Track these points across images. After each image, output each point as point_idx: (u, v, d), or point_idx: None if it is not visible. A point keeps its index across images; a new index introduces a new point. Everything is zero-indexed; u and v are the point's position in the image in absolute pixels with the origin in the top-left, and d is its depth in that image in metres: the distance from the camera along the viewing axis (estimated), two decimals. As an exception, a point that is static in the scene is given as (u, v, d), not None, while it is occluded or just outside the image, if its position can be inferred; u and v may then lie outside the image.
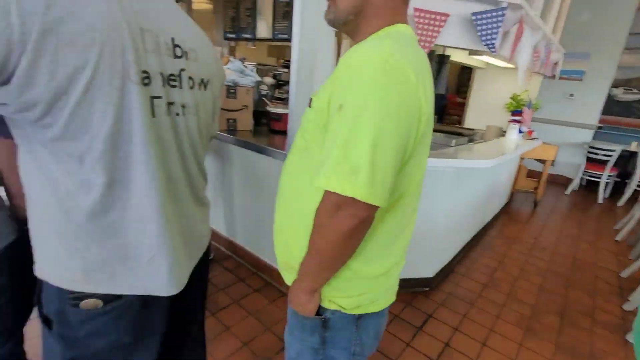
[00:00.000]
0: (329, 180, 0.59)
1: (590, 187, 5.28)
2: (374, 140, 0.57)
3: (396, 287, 0.86)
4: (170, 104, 0.69)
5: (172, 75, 0.68)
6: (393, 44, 0.62)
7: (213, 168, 2.47)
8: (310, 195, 0.67)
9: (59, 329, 0.69)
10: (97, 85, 0.55)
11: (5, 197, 0.90)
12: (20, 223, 0.87)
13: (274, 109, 2.34)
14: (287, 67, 4.64)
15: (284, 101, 4.30)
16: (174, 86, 0.69)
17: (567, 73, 5.42)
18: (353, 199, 0.58)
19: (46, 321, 0.70)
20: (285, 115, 2.28)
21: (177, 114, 0.71)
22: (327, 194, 0.61)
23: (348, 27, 0.73)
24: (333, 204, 0.60)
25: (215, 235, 2.59)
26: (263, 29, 4.91)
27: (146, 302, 0.73)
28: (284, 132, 2.27)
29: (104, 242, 0.65)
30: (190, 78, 0.73)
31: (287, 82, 4.43)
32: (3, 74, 0.48)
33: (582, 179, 5.34)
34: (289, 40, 4.64)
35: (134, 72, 0.59)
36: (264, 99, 2.55)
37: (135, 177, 0.63)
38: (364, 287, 0.75)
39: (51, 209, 0.61)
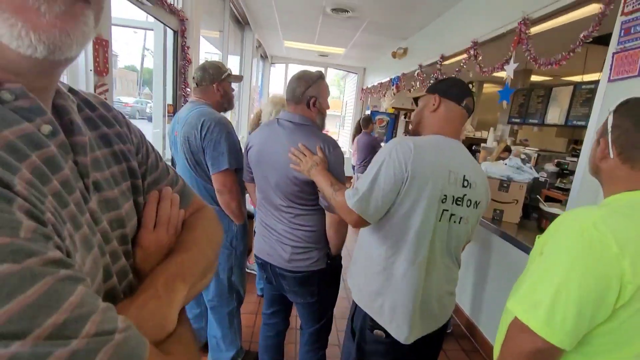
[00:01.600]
0: (516, 306, 0.73)
1: None
2: (558, 287, 0.67)
3: None
4: (452, 215, 1.08)
5: (459, 197, 1.08)
6: (604, 215, 0.69)
7: (473, 247, 2.66)
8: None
9: (357, 340, 1.20)
10: (419, 201, 1.03)
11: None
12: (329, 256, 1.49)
13: (548, 208, 2.29)
14: (576, 155, 4.13)
15: (566, 192, 3.84)
16: (458, 204, 1.09)
17: None
18: (529, 327, 0.69)
19: (352, 332, 1.23)
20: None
21: (455, 222, 1.10)
22: (516, 316, 0.73)
23: (600, 182, 0.85)
24: (518, 326, 0.72)
25: (457, 310, 2.73)
26: (554, 114, 4.66)
27: (396, 343, 1.12)
28: (555, 233, 2.16)
29: (391, 292, 1.10)
30: (469, 200, 1.10)
31: (572, 172, 3.95)
32: (394, 199, 1.05)
33: None
34: (584, 126, 4.17)
35: (439, 195, 1.04)
36: (538, 197, 2.52)
37: (421, 257, 1.07)
38: None
39: (370, 261, 1.15)
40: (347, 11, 3.90)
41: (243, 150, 1.59)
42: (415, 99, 1.29)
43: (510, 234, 2.19)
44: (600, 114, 1.66)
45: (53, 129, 0.35)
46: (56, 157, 0.34)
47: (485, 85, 6.79)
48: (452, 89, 1.15)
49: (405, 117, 7.24)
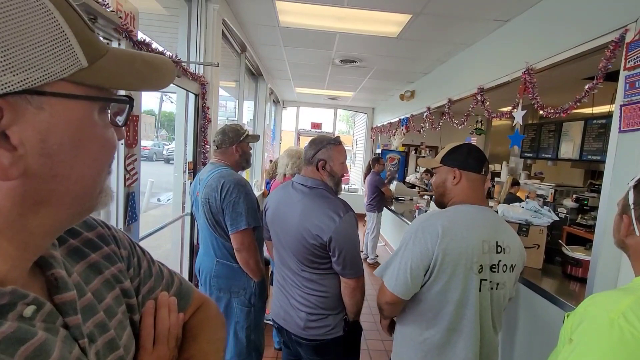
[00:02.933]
0: None
1: None
2: None
3: None
4: (490, 281, 1.10)
5: (494, 264, 1.10)
6: (635, 302, 0.67)
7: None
8: None
9: None
10: (455, 276, 1.05)
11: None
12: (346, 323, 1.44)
13: (572, 253, 2.22)
14: (596, 191, 4.05)
15: (588, 230, 3.72)
16: (494, 271, 1.10)
17: None
18: None
19: None
20: (586, 262, 2.11)
21: (492, 288, 1.11)
22: None
23: (627, 255, 0.84)
24: None
25: (485, 363, 2.59)
26: (568, 149, 4.65)
27: None
28: (582, 280, 2.08)
29: None
30: (504, 265, 1.12)
31: (594, 208, 3.85)
32: (423, 276, 1.08)
33: None
34: (600, 161, 4.11)
35: (475, 267, 1.05)
36: (560, 241, 2.46)
37: (464, 328, 1.08)
38: None
39: (409, 340, 1.17)
40: (355, 61, 4.10)
41: (262, 208, 1.64)
42: (428, 169, 1.33)
43: (533, 281, 2.12)
44: (616, 160, 1.66)
45: (36, 306, 0.34)
46: (44, 345, 0.32)
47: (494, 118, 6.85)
48: (469, 159, 1.19)
49: (415, 153, 7.31)
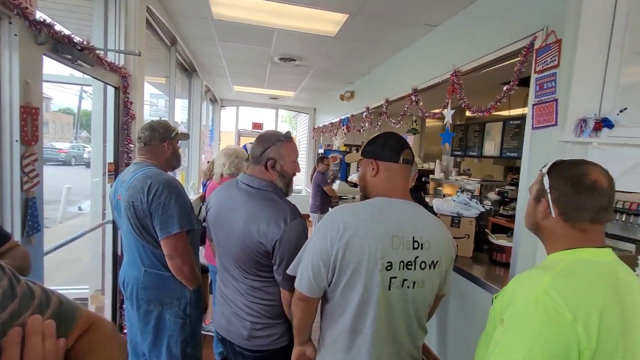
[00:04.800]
0: None
1: None
2: None
3: None
4: (405, 280, 1.03)
5: (409, 261, 1.03)
6: (555, 278, 0.74)
7: (431, 285, 2.71)
8: None
9: None
10: (358, 273, 0.99)
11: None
12: None
13: (497, 241, 2.43)
14: (515, 184, 4.54)
15: (510, 219, 4.14)
16: (409, 268, 1.03)
17: None
18: None
19: None
20: (509, 248, 2.31)
21: (409, 287, 1.04)
22: None
23: (539, 238, 0.90)
24: None
25: (425, 349, 2.71)
26: (490, 147, 5.13)
27: None
28: (506, 264, 2.28)
29: None
30: (422, 262, 1.05)
31: (513, 200, 4.30)
32: (326, 272, 1.03)
33: None
34: (517, 157, 4.59)
35: (381, 263, 0.99)
36: (487, 230, 2.68)
37: (368, 330, 1.02)
38: None
39: (322, 341, 1.13)
40: (295, 60, 4.06)
41: (204, 209, 1.51)
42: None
43: (465, 269, 2.27)
44: (531, 155, 1.84)
45: None
46: None
47: (428, 119, 7.33)
48: (386, 149, 1.13)
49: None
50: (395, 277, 1.02)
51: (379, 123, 4.13)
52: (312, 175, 5.03)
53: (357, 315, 1.02)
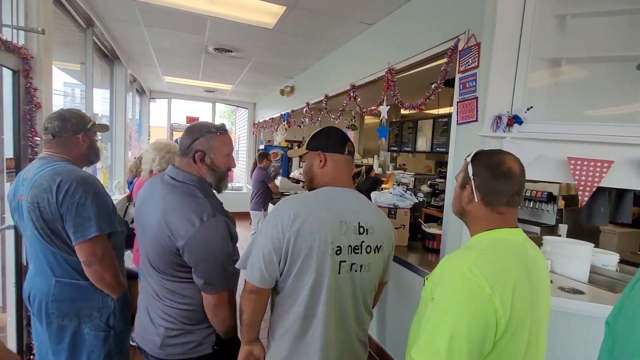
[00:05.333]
0: (419, 355, 0.79)
1: None
2: (451, 334, 0.75)
3: None
4: (353, 264, 1.08)
5: (356, 245, 1.08)
6: (477, 257, 0.81)
7: (370, 275, 2.82)
8: None
9: None
10: (310, 259, 1.01)
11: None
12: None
13: (429, 229, 2.60)
14: (444, 177, 4.93)
15: (440, 210, 4.50)
16: (357, 252, 1.09)
17: None
18: None
19: None
20: (439, 235, 2.50)
21: (357, 270, 1.10)
22: None
23: (464, 222, 0.99)
24: None
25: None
26: (423, 143, 5.49)
27: None
28: (437, 251, 2.46)
29: (298, 354, 1.06)
30: (368, 246, 1.11)
31: (443, 191, 4.67)
32: (278, 262, 1.01)
33: None
34: (445, 152, 4.99)
35: (331, 248, 1.03)
36: (420, 220, 2.86)
37: (320, 314, 1.04)
38: None
39: (273, 333, 1.11)
40: (231, 51, 3.90)
41: (131, 209, 1.36)
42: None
43: (401, 257, 2.40)
44: (456, 149, 1.99)
45: None
46: None
47: (366, 117, 7.61)
48: (332, 141, 1.18)
49: (298, 148, 7.50)
50: (345, 261, 1.06)
51: (319, 118, 4.16)
52: (252, 171, 4.89)
53: (310, 300, 1.04)
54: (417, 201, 2.86)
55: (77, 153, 1.47)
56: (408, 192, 2.85)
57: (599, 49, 1.76)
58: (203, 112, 8.20)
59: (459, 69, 1.91)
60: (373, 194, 2.89)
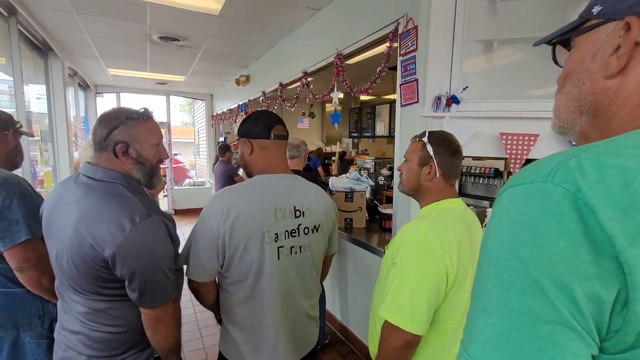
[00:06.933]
0: (386, 313, 0.94)
1: None
2: (413, 290, 0.91)
3: None
4: (292, 247, 1.11)
5: (293, 229, 1.10)
6: (429, 225, 0.96)
7: (334, 260, 2.88)
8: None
9: None
10: (248, 249, 1.03)
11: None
12: None
13: (384, 210, 2.69)
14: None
15: (398, 191, 4.67)
16: (294, 236, 1.11)
17: None
18: (399, 327, 0.90)
19: None
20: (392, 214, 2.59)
21: (296, 252, 1.12)
22: (386, 320, 0.94)
23: (414, 197, 1.11)
24: (389, 328, 0.93)
25: (331, 318, 2.89)
26: (381, 128, 5.61)
27: None
28: (392, 230, 2.56)
29: (248, 337, 1.10)
30: (305, 227, 1.13)
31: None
32: (216, 257, 1.03)
33: None
34: (402, 136, 5.10)
35: (268, 236, 1.05)
36: (376, 202, 2.94)
37: (264, 297, 1.07)
38: None
39: (226, 322, 1.13)
40: (178, 40, 3.73)
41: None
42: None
43: (359, 239, 2.47)
44: (401, 129, 2.06)
45: None
46: None
47: (328, 105, 7.62)
48: (256, 127, 1.13)
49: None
50: (283, 247, 1.09)
51: (275, 107, 4.12)
52: (214, 165, 4.77)
53: (253, 286, 1.07)
54: (372, 184, 2.94)
55: (1, 152, 1.37)
56: (363, 175, 2.92)
57: (526, 30, 1.88)
58: (157, 106, 7.81)
59: (400, 52, 1.96)
60: (331, 180, 2.93)
